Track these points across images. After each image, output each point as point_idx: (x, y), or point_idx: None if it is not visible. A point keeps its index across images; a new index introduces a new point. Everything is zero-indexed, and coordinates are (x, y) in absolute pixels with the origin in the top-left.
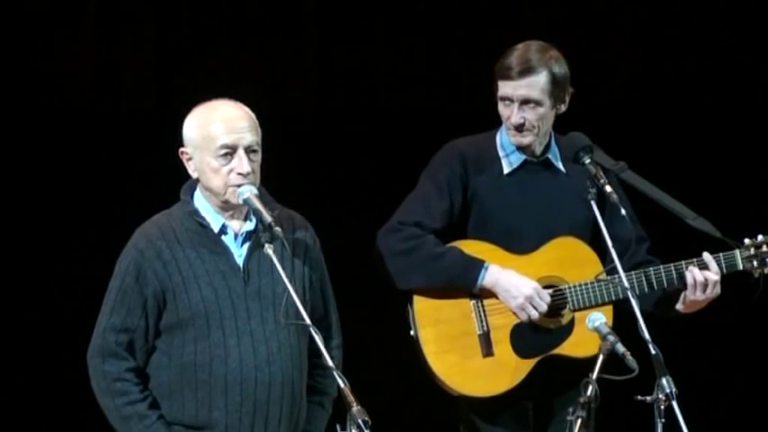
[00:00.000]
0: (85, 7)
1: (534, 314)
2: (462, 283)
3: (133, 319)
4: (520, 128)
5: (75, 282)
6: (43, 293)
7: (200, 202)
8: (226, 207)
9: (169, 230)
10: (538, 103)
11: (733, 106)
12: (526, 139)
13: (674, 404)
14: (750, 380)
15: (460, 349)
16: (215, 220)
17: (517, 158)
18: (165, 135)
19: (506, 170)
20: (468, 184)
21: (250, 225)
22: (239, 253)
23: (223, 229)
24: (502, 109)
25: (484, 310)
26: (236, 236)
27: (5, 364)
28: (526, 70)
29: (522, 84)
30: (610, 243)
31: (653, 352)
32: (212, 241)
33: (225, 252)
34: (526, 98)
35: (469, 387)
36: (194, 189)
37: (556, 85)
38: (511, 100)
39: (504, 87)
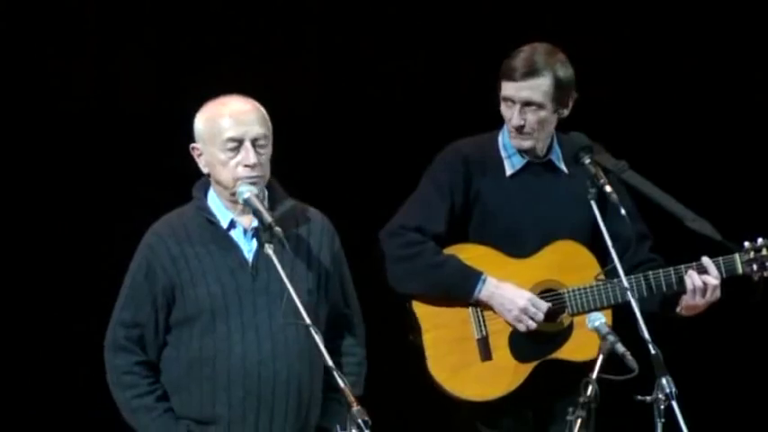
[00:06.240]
0: (86, 9)
1: (531, 325)
2: (459, 293)
3: (142, 315)
4: (520, 129)
5: (78, 282)
6: (43, 294)
7: (212, 198)
8: (236, 200)
9: (179, 227)
10: (540, 107)
11: (733, 106)
12: (526, 142)
13: (674, 404)
14: (750, 380)
15: (459, 353)
16: (224, 216)
17: (519, 160)
18: (166, 137)
19: (509, 172)
20: (470, 185)
21: None
22: (249, 248)
23: (233, 225)
24: (504, 109)
25: (482, 315)
26: (245, 231)
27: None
28: (530, 72)
29: (524, 85)
30: (610, 244)
31: (653, 352)
32: (221, 237)
33: (233, 248)
34: (528, 100)
35: (468, 391)
36: (207, 186)
37: (559, 89)
38: (513, 101)
39: (507, 88)
